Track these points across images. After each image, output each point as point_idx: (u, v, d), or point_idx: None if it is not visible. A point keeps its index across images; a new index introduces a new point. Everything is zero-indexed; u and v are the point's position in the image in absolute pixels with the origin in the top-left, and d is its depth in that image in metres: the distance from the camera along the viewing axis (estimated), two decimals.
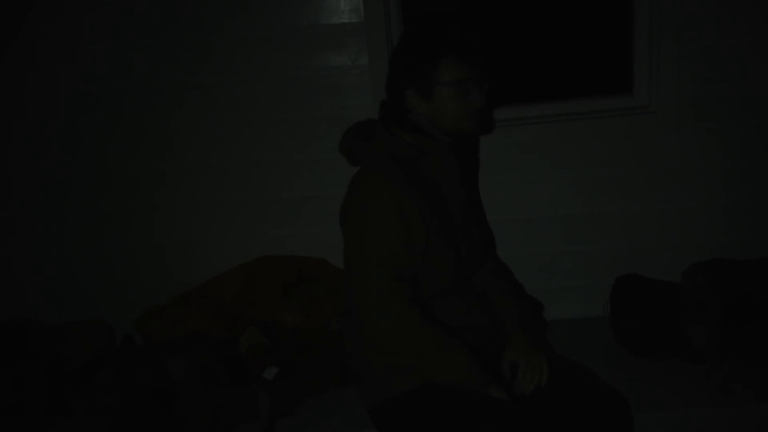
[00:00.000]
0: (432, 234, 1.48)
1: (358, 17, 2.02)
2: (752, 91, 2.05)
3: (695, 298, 1.93)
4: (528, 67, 2.26)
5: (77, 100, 2.10)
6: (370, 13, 2.00)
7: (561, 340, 2.03)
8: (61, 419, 1.81)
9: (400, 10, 2.06)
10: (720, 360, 1.82)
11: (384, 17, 2.01)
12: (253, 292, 2.06)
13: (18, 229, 2.22)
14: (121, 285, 2.25)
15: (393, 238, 1.42)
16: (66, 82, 2.08)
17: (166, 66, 2.06)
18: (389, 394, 1.49)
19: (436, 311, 1.53)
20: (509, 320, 1.61)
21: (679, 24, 1.99)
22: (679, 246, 2.17)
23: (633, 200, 2.16)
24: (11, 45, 2.04)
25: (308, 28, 2.03)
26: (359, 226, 1.45)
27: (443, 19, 1.53)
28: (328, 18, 2.03)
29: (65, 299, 2.25)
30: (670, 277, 2.08)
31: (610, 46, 2.18)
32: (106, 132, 2.13)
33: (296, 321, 1.97)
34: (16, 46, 2.04)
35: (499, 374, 1.53)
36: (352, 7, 2.02)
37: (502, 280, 1.72)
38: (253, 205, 2.19)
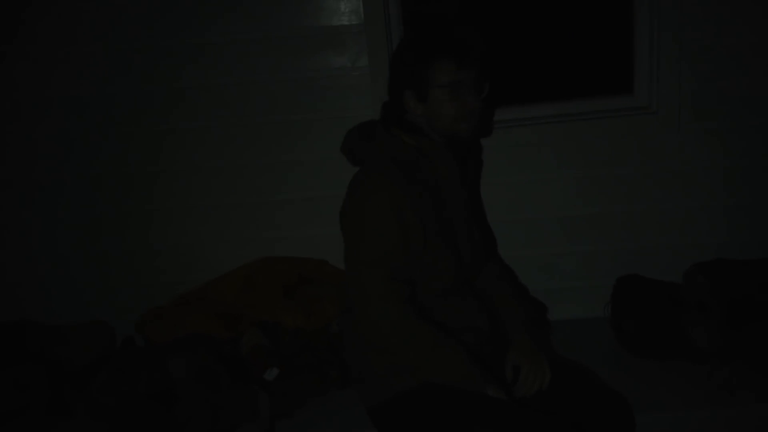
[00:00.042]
0: (430, 235, 1.49)
1: (357, 18, 2.02)
2: (753, 91, 2.05)
3: (696, 298, 1.92)
4: (528, 67, 2.26)
5: (71, 102, 2.10)
6: (370, 15, 2.01)
7: (562, 341, 2.03)
8: (62, 420, 1.81)
9: (399, 11, 2.06)
10: (721, 360, 1.81)
11: (384, 18, 2.01)
12: (254, 293, 2.07)
13: (14, 231, 2.23)
14: (119, 286, 2.25)
15: (389, 238, 1.43)
16: (60, 84, 2.08)
17: (163, 67, 2.07)
18: (388, 393, 1.50)
19: (435, 312, 1.53)
20: (512, 322, 1.61)
21: (679, 24, 1.99)
22: (680, 246, 2.16)
23: (634, 200, 2.16)
24: (5, 46, 2.04)
25: (308, 30, 2.03)
26: (357, 226, 1.46)
27: (442, 21, 1.53)
28: (328, 19, 2.03)
29: (62, 301, 2.25)
30: (671, 277, 2.08)
31: (611, 46, 2.18)
32: (101, 133, 2.13)
33: (297, 322, 1.97)
34: (10, 46, 2.05)
35: (499, 375, 1.52)
36: (351, 8, 2.02)
37: (505, 282, 1.72)
38: (254, 206, 2.19)
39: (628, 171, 2.14)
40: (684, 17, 1.99)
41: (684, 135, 2.08)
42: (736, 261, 2.05)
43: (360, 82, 2.06)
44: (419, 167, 1.51)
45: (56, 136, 2.13)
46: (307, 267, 2.17)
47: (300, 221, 2.19)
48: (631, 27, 2.08)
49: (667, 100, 2.06)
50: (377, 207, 1.43)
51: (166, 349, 1.84)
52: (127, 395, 1.72)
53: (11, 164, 2.17)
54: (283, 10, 2.02)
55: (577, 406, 1.47)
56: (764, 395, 1.71)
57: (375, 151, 1.52)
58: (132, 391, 1.73)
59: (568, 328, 2.14)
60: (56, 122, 2.12)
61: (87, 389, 1.79)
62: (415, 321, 1.44)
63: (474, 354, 1.48)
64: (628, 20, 2.08)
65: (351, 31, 2.04)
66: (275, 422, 1.74)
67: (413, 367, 1.45)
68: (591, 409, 1.47)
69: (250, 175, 2.16)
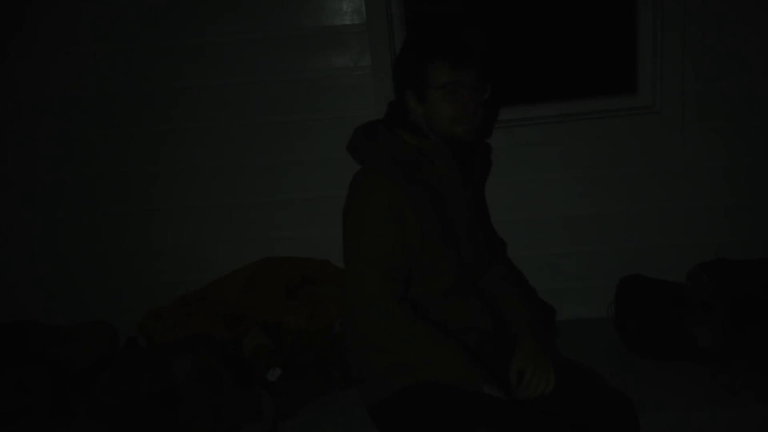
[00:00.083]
0: (430, 235, 1.49)
1: (360, 18, 2.02)
2: (757, 91, 2.05)
3: (700, 298, 1.92)
4: (532, 67, 2.26)
5: (71, 102, 2.10)
6: (373, 15, 2.00)
7: (566, 341, 2.02)
8: (65, 421, 1.81)
9: (402, 11, 2.05)
10: (725, 361, 1.81)
11: (386, 18, 2.01)
12: (256, 294, 2.06)
13: (14, 231, 2.22)
14: (119, 286, 2.25)
15: (388, 238, 1.43)
16: (60, 83, 2.08)
17: (164, 67, 2.06)
18: (387, 392, 1.50)
19: (436, 311, 1.53)
20: (518, 326, 1.60)
21: (682, 23, 1.99)
22: (683, 246, 2.16)
23: (637, 200, 2.15)
24: (5, 45, 2.04)
25: (310, 29, 2.03)
26: (355, 225, 1.47)
27: (444, 21, 1.53)
28: (330, 19, 2.03)
29: (63, 301, 2.25)
30: (674, 277, 2.07)
31: (614, 46, 2.18)
32: (101, 133, 2.13)
33: (299, 322, 1.96)
34: (9, 46, 2.05)
35: (501, 376, 1.52)
36: (354, 8, 2.01)
37: (512, 284, 1.71)
38: (254, 206, 2.18)
39: (631, 171, 2.13)
40: (687, 17, 1.98)
41: (687, 135, 2.08)
42: (740, 261, 2.04)
43: (362, 82, 2.06)
44: (420, 167, 1.51)
45: (56, 136, 2.13)
46: (309, 267, 2.17)
47: (301, 221, 2.18)
48: (634, 27, 2.08)
49: (671, 99, 2.05)
50: (376, 206, 1.44)
51: (169, 350, 1.84)
52: (130, 396, 1.72)
53: (11, 164, 2.16)
54: (285, 10, 2.01)
55: (581, 408, 1.47)
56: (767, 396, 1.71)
57: (376, 150, 1.52)
58: (135, 391, 1.73)
59: (572, 329, 2.13)
60: (56, 122, 2.12)
61: (90, 390, 1.79)
62: (413, 320, 1.44)
63: (474, 354, 1.48)
64: (632, 20, 2.08)
65: (353, 30, 2.03)
66: (278, 423, 1.74)
67: (412, 366, 1.45)
68: (595, 410, 1.46)
69: (250, 175, 2.16)
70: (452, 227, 1.56)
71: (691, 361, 1.86)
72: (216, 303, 2.09)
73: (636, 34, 2.08)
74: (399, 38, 2.06)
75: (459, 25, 1.50)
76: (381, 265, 1.43)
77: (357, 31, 2.03)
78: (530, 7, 2.24)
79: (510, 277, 1.74)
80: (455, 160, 1.53)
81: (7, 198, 2.19)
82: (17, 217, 2.21)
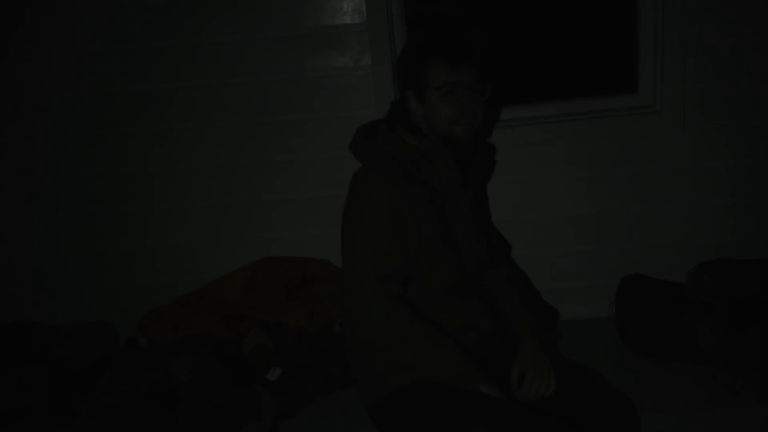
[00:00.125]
0: (429, 235, 1.49)
1: (360, 18, 2.02)
2: (758, 90, 2.04)
3: (701, 298, 1.91)
4: (533, 66, 2.25)
5: (70, 101, 2.10)
6: (373, 14, 2.00)
7: (566, 341, 2.02)
8: (65, 421, 1.81)
9: (402, 11, 2.05)
10: (726, 361, 1.81)
11: (386, 18, 2.00)
12: (256, 294, 2.06)
13: (13, 231, 2.22)
14: (119, 286, 2.25)
15: (385, 238, 1.43)
16: (59, 83, 2.08)
17: (163, 67, 2.06)
18: (384, 390, 1.50)
19: (435, 311, 1.53)
20: (520, 328, 1.60)
21: (683, 23, 1.98)
22: (684, 245, 2.15)
23: (638, 200, 2.15)
24: (4, 46, 2.04)
25: (310, 29, 2.03)
26: (353, 225, 1.48)
27: (443, 21, 1.53)
28: (330, 19, 2.02)
29: (62, 301, 2.25)
30: (675, 277, 2.07)
31: (616, 45, 2.17)
32: (100, 133, 2.13)
33: (299, 322, 1.96)
34: (9, 46, 2.04)
35: (500, 377, 1.52)
36: (354, 7, 2.01)
37: (516, 286, 1.71)
38: (254, 206, 2.18)
39: (632, 170, 2.13)
40: (688, 16, 1.98)
41: (688, 134, 2.07)
42: (741, 260, 2.04)
43: (362, 82, 2.06)
44: (420, 167, 1.51)
45: (56, 136, 2.13)
46: (309, 267, 2.16)
47: (301, 221, 2.18)
48: (635, 26, 2.07)
49: (672, 99, 2.05)
50: (374, 206, 1.44)
51: (169, 350, 1.84)
52: (130, 396, 1.72)
53: (11, 164, 2.17)
54: (285, 10, 2.01)
55: (581, 408, 1.47)
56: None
57: (376, 150, 1.53)
58: (135, 391, 1.73)
59: (572, 328, 2.12)
60: (55, 122, 2.12)
61: (90, 390, 1.79)
62: (410, 319, 1.44)
63: (472, 354, 1.48)
64: (633, 19, 2.07)
65: (353, 30, 2.03)
66: (278, 423, 1.74)
67: (409, 365, 1.45)
68: (595, 410, 1.46)
69: (249, 175, 2.16)
70: (452, 227, 1.56)
71: (692, 361, 1.86)
72: (216, 303, 2.09)
73: (637, 33, 2.07)
74: (399, 38, 2.06)
75: (459, 26, 1.50)
76: (378, 264, 1.43)
77: (357, 31, 2.03)
78: (531, 6, 2.24)
79: (514, 279, 1.73)
80: (454, 161, 1.52)
81: (6, 198, 2.19)
82: (17, 217, 2.21)
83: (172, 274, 2.23)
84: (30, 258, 2.25)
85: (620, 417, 1.47)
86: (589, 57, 2.25)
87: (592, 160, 2.13)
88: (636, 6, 2.05)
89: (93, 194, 2.18)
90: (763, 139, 2.08)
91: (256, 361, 1.83)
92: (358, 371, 1.62)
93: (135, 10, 2.02)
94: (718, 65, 2.02)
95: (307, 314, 1.97)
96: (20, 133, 2.13)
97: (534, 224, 2.18)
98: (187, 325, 1.96)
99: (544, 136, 2.11)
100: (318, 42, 2.04)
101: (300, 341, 1.93)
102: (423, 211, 1.48)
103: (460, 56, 1.44)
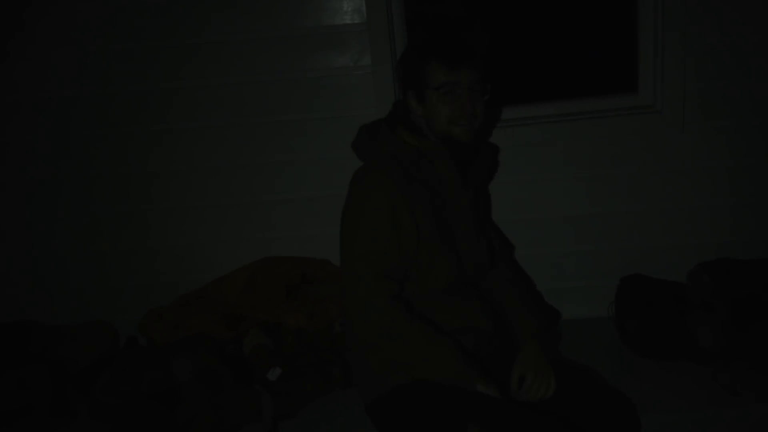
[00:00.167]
0: (427, 235, 1.49)
1: (360, 18, 2.02)
2: (758, 90, 2.04)
3: (701, 298, 1.91)
4: (533, 66, 2.26)
5: (70, 101, 2.10)
6: (373, 14, 2.00)
7: (566, 341, 2.02)
8: (65, 421, 1.81)
9: (402, 11, 2.05)
10: (726, 361, 1.81)
11: (386, 18, 2.00)
12: (256, 294, 2.06)
13: (13, 231, 2.22)
14: (119, 286, 2.25)
15: (383, 237, 1.44)
16: (59, 83, 2.08)
17: (163, 67, 2.06)
18: (382, 389, 1.50)
19: (434, 311, 1.53)
20: (521, 330, 1.60)
21: (683, 23, 1.98)
22: (684, 245, 2.15)
23: (638, 200, 2.15)
24: (4, 46, 2.04)
25: (310, 29, 2.03)
26: (352, 224, 1.48)
27: (443, 22, 1.53)
28: (330, 19, 2.02)
29: (62, 301, 2.25)
30: (675, 277, 2.07)
31: (616, 45, 2.17)
32: (99, 133, 2.13)
33: (299, 322, 1.96)
34: (9, 46, 2.04)
35: (499, 377, 1.52)
36: (354, 7, 2.01)
37: (517, 287, 1.71)
38: (253, 206, 2.18)
39: (632, 170, 2.13)
40: (688, 16, 1.98)
41: (688, 134, 2.08)
42: (741, 260, 2.04)
43: (362, 81, 2.06)
44: (420, 167, 1.51)
45: (55, 136, 2.13)
46: (309, 267, 2.16)
47: (301, 221, 2.18)
48: (635, 26, 2.07)
49: (672, 99, 2.05)
50: (373, 205, 1.45)
51: (169, 350, 1.84)
52: (130, 396, 1.72)
53: (10, 164, 2.16)
54: (285, 10, 2.01)
55: (581, 408, 1.47)
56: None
57: (377, 149, 1.53)
58: (135, 391, 1.73)
59: (572, 328, 2.13)
60: (55, 122, 2.12)
61: (90, 390, 1.79)
62: (408, 319, 1.44)
63: (469, 353, 1.48)
64: (633, 19, 2.07)
65: (353, 30, 2.03)
66: (278, 423, 1.74)
67: (406, 364, 1.45)
68: (595, 410, 1.46)
69: (249, 175, 2.16)
70: (451, 228, 1.56)
71: (692, 361, 1.86)
72: (216, 303, 2.09)
73: (637, 33, 2.08)
74: (399, 38, 2.06)
75: (459, 26, 1.50)
76: (376, 264, 1.43)
77: (357, 31, 2.03)
78: (531, 6, 2.24)
79: (514, 280, 1.73)
80: (454, 161, 1.52)
81: (6, 198, 2.19)
82: (17, 217, 2.21)
83: (172, 274, 2.23)
84: (30, 258, 2.25)
85: (620, 417, 1.47)
86: (589, 57, 2.25)
87: (592, 160, 2.13)
88: (636, 6, 2.05)
89: (93, 194, 2.18)
90: (763, 139, 2.08)
91: (256, 361, 1.83)
92: (358, 370, 1.62)
93: (135, 10, 2.02)
94: (718, 65, 2.02)
95: (307, 314, 1.97)
96: (20, 133, 2.13)
97: (534, 224, 2.18)
98: (187, 325, 1.96)
99: (544, 136, 2.11)
100: (318, 42, 2.04)
101: (300, 341, 1.93)
102: (422, 211, 1.48)
103: (460, 56, 1.44)
